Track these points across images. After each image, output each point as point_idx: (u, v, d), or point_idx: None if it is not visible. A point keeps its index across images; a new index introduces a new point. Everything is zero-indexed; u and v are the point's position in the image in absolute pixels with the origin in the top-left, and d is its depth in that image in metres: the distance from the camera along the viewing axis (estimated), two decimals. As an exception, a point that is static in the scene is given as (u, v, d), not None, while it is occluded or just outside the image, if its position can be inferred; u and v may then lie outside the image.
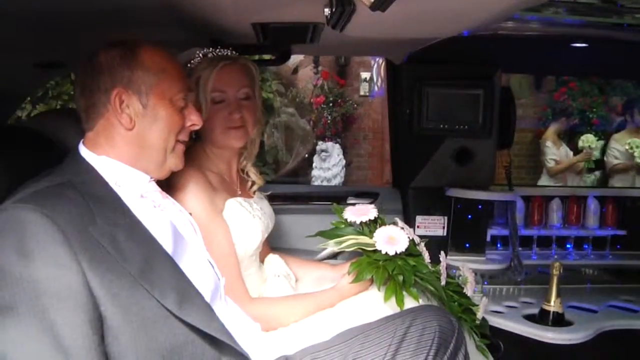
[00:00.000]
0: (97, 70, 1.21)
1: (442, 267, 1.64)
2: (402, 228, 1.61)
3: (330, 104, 7.14)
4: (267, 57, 2.21)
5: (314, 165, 7.15)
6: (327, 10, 1.28)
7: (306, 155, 7.26)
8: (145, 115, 1.24)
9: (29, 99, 5.25)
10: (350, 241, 1.59)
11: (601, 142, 5.64)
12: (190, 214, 1.39)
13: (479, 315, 1.70)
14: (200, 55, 1.63)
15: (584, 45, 2.40)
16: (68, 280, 1.00)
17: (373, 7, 1.09)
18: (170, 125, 1.28)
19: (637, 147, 4.69)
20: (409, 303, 1.48)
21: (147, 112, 1.24)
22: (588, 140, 5.22)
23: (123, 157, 1.24)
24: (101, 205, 1.13)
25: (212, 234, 1.52)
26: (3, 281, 0.98)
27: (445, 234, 2.60)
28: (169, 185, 1.49)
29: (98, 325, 1.03)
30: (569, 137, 6.01)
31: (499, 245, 2.72)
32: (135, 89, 1.22)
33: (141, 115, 1.24)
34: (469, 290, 1.75)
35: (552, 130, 5.50)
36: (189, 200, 1.50)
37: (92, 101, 1.22)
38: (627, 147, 4.74)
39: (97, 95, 1.21)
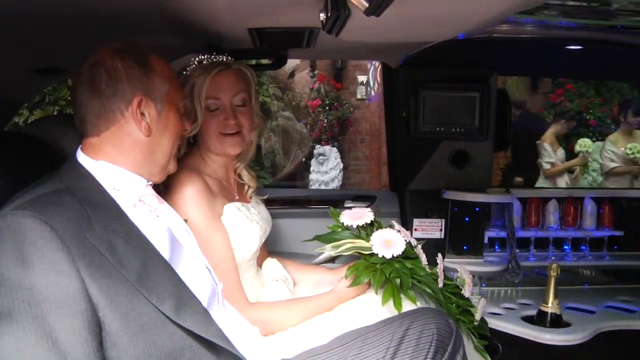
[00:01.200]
0: (114, 77, 1.20)
1: (439, 269, 1.64)
2: (399, 231, 1.62)
3: (327, 107, 7.16)
4: (263, 61, 2.22)
5: (311, 168, 7.16)
6: (322, 15, 1.29)
7: (303, 159, 7.27)
8: (159, 122, 1.26)
9: (26, 105, 5.26)
10: (347, 245, 1.60)
11: (598, 144, 5.64)
12: (186, 220, 1.39)
13: (477, 316, 1.70)
14: (195, 62, 1.64)
15: (578, 47, 2.41)
16: (67, 287, 1.00)
17: (368, 12, 1.10)
18: (178, 131, 1.32)
19: (638, 152, 4.66)
20: (407, 306, 1.49)
21: (160, 119, 1.26)
22: (585, 145, 5.22)
23: (126, 163, 1.24)
24: (99, 211, 1.13)
25: (211, 239, 1.52)
26: (2, 288, 0.98)
27: (442, 237, 2.61)
28: (168, 190, 1.50)
29: (97, 330, 1.03)
30: (567, 140, 6.02)
31: (496, 247, 2.73)
32: (152, 96, 1.24)
33: (156, 122, 1.25)
34: (466, 292, 1.76)
35: (551, 132, 5.48)
36: (188, 205, 1.51)
37: (108, 107, 1.21)
38: (627, 152, 4.72)
39: (113, 102, 1.20)
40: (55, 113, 5.31)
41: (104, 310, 1.03)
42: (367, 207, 1.76)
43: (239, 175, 1.79)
